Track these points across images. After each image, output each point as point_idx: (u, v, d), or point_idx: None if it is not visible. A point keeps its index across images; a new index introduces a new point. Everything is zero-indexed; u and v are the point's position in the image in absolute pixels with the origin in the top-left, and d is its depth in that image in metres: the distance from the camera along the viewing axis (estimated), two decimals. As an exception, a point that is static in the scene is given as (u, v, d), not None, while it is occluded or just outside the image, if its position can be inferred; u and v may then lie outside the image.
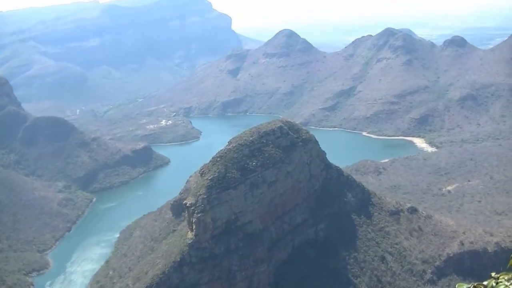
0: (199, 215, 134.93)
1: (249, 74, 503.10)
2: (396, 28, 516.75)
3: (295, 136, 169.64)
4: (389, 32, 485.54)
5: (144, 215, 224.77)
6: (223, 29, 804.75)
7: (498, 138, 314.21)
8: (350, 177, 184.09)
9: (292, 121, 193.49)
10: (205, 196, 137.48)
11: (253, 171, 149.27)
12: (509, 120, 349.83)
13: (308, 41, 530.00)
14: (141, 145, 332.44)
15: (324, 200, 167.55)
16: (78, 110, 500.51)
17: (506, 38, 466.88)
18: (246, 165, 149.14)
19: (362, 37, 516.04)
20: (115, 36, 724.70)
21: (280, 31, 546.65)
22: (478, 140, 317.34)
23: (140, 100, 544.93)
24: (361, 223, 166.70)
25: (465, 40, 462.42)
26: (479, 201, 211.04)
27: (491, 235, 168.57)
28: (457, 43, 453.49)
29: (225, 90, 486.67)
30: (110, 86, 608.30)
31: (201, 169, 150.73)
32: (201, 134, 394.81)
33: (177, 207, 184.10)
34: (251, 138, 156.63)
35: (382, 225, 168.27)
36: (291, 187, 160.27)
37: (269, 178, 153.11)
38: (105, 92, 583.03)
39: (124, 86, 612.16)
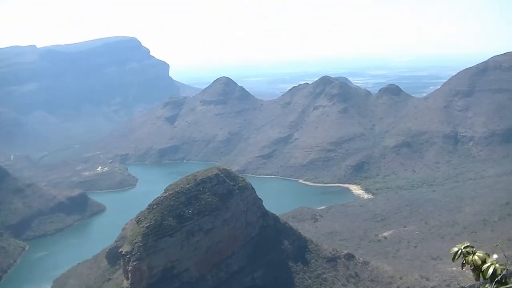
0: (135, 263, 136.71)
1: (186, 121, 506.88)
2: (333, 76, 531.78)
3: (232, 183, 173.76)
4: (325, 80, 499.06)
5: (79, 263, 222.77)
6: (161, 76, 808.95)
7: (433, 184, 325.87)
8: (286, 225, 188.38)
9: (228, 168, 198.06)
10: (141, 244, 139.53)
11: (189, 218, 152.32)
12: (443, 166, 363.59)
13: (246, 89, 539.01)
14: (76, 192, 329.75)
15: (261, 248, 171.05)
16: (12, 156, 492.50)
17: (439, 87, 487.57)
18: (182, 213, 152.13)
19: (299, 85, 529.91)
20: (52, 80, 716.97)
21: (217, 78, 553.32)
22: (413, 186, 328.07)
23: (77, 146, 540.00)
24: (298, 270, 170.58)
25: (400, 89, 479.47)
26: (415, 247, 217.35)
27: (427, 279, 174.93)
28: (392, 91, 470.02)
29: (162, 137, 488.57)
30: (46, 132, 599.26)
31: (137, 217, 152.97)
32: (137, 181, 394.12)
33: (113, 255, 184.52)
34: (187, 186, 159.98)
35: (319, 272, 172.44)
36: (227, 235, 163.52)
37: (205, 226, 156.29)
38: (41, 137, 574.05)
39: (61, 132, 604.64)
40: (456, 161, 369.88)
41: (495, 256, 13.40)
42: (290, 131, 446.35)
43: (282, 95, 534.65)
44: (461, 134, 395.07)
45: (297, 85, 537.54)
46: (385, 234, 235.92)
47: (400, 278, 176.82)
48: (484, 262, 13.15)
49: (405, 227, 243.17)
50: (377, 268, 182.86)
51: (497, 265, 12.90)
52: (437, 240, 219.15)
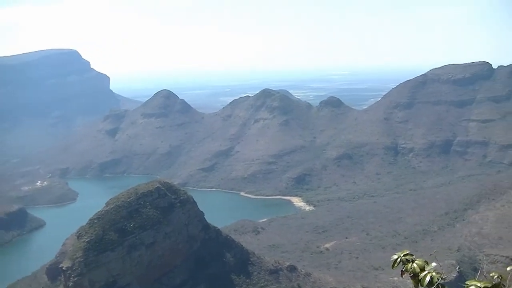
0: (76, 279, 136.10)
1: (127, 134, 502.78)
2: (274, 89, 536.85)
3: (173, 197, 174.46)
4: (266, 93, 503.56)
5: (18, 280, 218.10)
6: (101, 89, 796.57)
7: (374, 196, 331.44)
8: (228, 237, 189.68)
9: (170, 182, 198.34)
10: (82, 259, 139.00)
11: (131, 232, 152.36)
12: (383, 177, 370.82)
13: (186, 101, 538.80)
14: (15, 207, 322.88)
15: (203, 261, 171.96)
16: None
17: (379, 99, 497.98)
18: (124, 227, 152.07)
19: (240, 98, 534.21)
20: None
21: (158, 91, 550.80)
22: (354, 197, 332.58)
23: (15, 160, 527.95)
24: (240, 283, 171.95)
25: (341, 101, 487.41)
26: (357, 257, 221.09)
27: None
28: (333, 104, 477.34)
29: (102, 150, 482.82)
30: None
31: (77, 232, 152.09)
32: (78, 196, 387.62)
33: (53, 271, 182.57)
34: (128, 200, 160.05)
35: (262, 284, 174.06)
36: (169, 249, 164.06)
37: (147, 239, 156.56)
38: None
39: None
40: (396, 172, 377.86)
41: (433, 264, 13.90)
42: (231, 143, 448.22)
43: (223, 108, 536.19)
44: (401, 145, 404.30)
45: (238, 98, 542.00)
46: (327, 245, 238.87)
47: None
48: (423, 270, 13.63)
49: (346, 238, 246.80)
50: (320, 280, 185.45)
51: (434, 273, 13.35)
52: (378, 251, 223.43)
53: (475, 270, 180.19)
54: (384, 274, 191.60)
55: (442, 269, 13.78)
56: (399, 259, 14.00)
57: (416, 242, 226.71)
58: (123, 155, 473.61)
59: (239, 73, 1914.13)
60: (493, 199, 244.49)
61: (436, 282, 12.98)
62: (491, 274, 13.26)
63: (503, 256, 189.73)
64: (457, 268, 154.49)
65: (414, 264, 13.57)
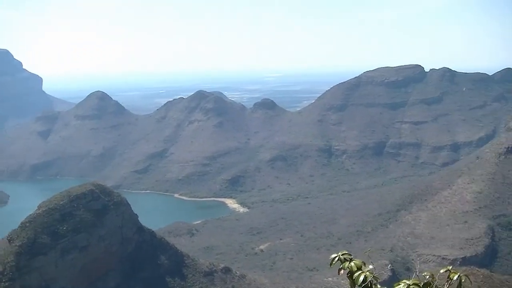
0: (7, 284, 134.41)
1: (60, 136, 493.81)
2: (208, 91, 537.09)
3: (107, 199, 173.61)
4: (200, 95, 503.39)
5: None
6: (34, 90, 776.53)
7: (308, 197, 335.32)
8: (163, 240, 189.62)
9: (103, 184, 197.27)
10: (13, 264, 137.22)
11: (64, 236, 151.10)
12: (317, 179, 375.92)
13: (120, 103, 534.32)
14: None
15: (137, 264, 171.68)
16: None
17: (313, 101, 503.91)
18: (56, 230, 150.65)
19: (174, 99, 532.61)
20: None
21: (92, 93, 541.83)
22: (288, 199, 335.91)
23: None
24: (175, 285, 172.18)
25: (275, 103, 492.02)
26: (291, 258, 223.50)
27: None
28: (267, 106, 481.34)
29: (35, 152, 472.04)
30: None
31: (8, 235, 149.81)
32: (9, 199, 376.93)
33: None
34: (61, 202, 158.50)
35: (197, 287, 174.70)
36: (103, 252, 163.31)
37: (80, 242, 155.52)
38: None
39: None
40: (330, 174, 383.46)
41: (370, 266, 14.41)
42: (165, 145, 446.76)
43: (157, 109, 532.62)
44: (335, 147, 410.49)
45: (172, 99, 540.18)
46: (262, 247, 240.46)
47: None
48: (360, 269, 14.05)
49: (281, 239, 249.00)
50: (254, 281, 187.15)
51: (367, 273, 13.77)
52: (313, 252, 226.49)
53: (408, 269, 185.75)
54: (319, 275, 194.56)
55: (375, 269, 15.06)
56: (337, 258, 14.45)
57: (350, 243, 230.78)
58: (56, 157, 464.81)
59: (169, 74, 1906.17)
60: (425, 200, 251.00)
61: (369, 281, 13.52)
62: (423, 274, 14.26)
63: (435, 256, 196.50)
64: (389, 267, 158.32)
65: (352, 263, 14.07)
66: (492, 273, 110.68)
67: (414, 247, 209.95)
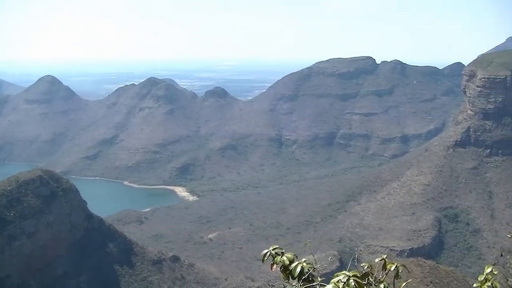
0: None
1: (9, 120, 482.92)
2: (159, 78, 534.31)
3: (56, 185, 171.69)
4: (152, 82, 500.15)
5: None
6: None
7: (257, 186, 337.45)
8: (112, 227, 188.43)
9: (52, 170, 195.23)
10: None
11: (11, 222, 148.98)
12: (267, 168, 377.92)
13: (71, 88, 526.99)
14: None
15: (85, 251, 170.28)
16: None
17: (264, 91, 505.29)
18: (3, 216, 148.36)
19: (125, 85, 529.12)
20: None
21: (42, 77, 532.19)
22: (238, 188, 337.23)
23: None
24: (123, 273, 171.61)
25: (226, 91, 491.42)
26: (240, 248, 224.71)
27: (253, 280, 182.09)
28: (218, 94, 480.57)
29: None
30: None
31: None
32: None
33: None
34: (9, 188, 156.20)
35: (145, 275, 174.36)
36: (51, 238, 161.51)
37: (28, 229, 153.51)
38: None
39: None
40: (280, 164, 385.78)
41: (303, 259, 13.97)
42: (115, 132, 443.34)
43: (108, 95, 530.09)
44: (285, 137, 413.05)
45: (123, 86, 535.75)
46: (211, 236, 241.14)
47: (226, 279, 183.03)
48: (292, 262, 13.87)
49: (230, 228, 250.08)
50: (203, 270, 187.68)
51: (304, 264, 13.59)
52: (262, 241, 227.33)
53: (357, 260, 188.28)
54: (267, 265, 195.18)
55: (319, 260, 15.25)
56: (268, 253, 14.36)
57: (299, 233, 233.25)
58: (4, 142, 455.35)
59: (121, 61, 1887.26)
60: (374, 191, 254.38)
61: (307, 272, 13.48)
62: (362, 264, 14.28)
63: (383, 247, 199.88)
64: (329, 259, 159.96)
65: (284, 257, 14.00)
66: (438, 264, 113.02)
67: (362, 238, 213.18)
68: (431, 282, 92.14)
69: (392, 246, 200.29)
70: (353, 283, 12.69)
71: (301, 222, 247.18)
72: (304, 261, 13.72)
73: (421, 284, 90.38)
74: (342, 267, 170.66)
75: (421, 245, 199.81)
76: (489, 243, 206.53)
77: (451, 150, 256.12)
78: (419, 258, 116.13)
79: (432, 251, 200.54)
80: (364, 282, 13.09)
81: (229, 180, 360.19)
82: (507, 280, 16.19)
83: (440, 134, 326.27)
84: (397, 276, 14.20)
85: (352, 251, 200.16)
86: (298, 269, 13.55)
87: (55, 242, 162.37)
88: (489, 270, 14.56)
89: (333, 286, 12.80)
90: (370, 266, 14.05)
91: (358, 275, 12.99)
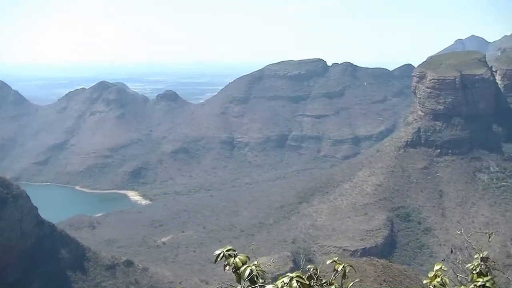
0: None
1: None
2: (110, 82, 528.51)
3: (6, 191, 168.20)
4: (103, 86, 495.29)
5: None
6: None
7: (210, 189, 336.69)
8: (64, 233, 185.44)
9: (2, 176, 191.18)
10: None
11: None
12: (219, 171, 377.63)
13: (20, 93, 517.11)
14: None
15: (37, 258, 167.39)
16: None
17: (215, 94, 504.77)
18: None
19: (76, 90, 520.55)
20: None
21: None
22: (190, 191, 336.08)
23: None
24: (76, 279, 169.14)
25: (177, 95, 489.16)
26: (194, 251, 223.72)
27: (207, 283, 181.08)
28: (170, 98, 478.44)
29: None
30: None
31: None
32: None
33: None
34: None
35: (99, 280, 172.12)
36: (1, 246, 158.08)
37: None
38: None
39: None
40: (232, 166, 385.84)
41: (255, 262, 14.04)
42: (66, 137, 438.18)
43: (58, 100, 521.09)
44: (237, 139, 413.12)
45: (73, 90, 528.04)
46: (164, 239, 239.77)
47: (180, 283, 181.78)
48: (244, 264, 13.87)
49: (183, 232, 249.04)
50: (157, 274, 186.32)
51: (253, 267, 13.62)
52: (215, 244, 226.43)
53: (310, 261, 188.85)
54: (221, 267, 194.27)
55: (273, 261, 15.05)
56: (221, 254, 14.34)
57: (253, 235, 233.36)
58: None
59: (71, 64, 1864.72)
60: (326, 192, 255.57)
61: (255, 275, 13.49)
62: (308, 267, 14.15)
63: (336, 247, 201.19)
64: (271, 260, 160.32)
65: (237, 259, 13.99)
66: (391, 263, 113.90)
67: (315, 239, 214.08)
68: (384, 281, 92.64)
69: (346, 246, 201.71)
70: (295, 284, 12.71)
71: (254, 224, 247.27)
72: (254, 264, 13.73)
73: (374, 283, 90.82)
74: (295, 268, 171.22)
75: (373, 245, 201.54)
76: (440, 241, 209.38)
77: (402, 150, 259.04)
78: (372, 257, 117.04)
79: (385, 250, 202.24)
80: (308, 283, 13.11)
81: (182, 183, 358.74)
82: (457, 276, 16.28)
83: (391, 135, 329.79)
84: (344, 276, 14.16)
85: (306, 252, 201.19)
86: (247, 272, 13.54)
87: (5, 249, 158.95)
88: (438, 267, 14.66)
89: (273, 286, 12.89)
90: (315, 269, 13.88)
91: (302, 276, 13.05)
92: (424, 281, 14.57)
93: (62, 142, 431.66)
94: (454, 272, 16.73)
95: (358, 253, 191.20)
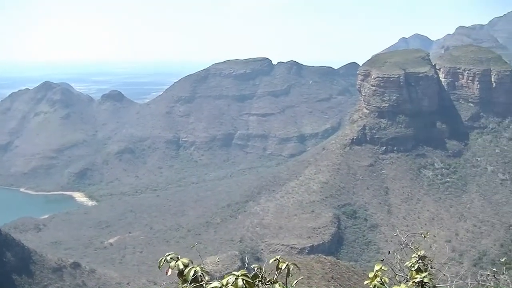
0: None
1: None
2: (55, 82, 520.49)
3: None
4: (47, 86, 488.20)
5: None
6: None
7: (156, 189, 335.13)
8: (8, 236, 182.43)
9: None
10: None
11: None
12: (165, 171, 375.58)
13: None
14: None
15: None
16: None
17: (161, 93, 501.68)
18: None
19: (19, 90, 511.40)
20: None
21: None
22: (137, 192, 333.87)
23: None
24: (22, 283, 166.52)
25: (123, 95, 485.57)
26: (141, 252, 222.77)
27: (155, 283, 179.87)
28: (115, 98, 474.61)
29: None
30: None
31: None
32: None
33: None
34: None
35: (45, 283, 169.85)
36: None
37: None
38: None
39: None
40: (178, 166, 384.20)
41: (198, 264, 14.16)
42: (10, 138, 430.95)
43: (2, 100, 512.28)
44: (183, 139, 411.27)
45: (17, 90, 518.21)
46: (111, 240, 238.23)
47: (128, 284, 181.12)
48: (187, 266, 14.04)
49: (130, 233, 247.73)
50: (104, 275, 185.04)
51: (197, 268, 13.81)
52: (162, 244, 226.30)
53: (258, 259, 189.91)
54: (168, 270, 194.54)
55: (218, 260, 15.38)
56: (164, 259, 14.42)
57: (200, 234, 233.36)
58: None
59: (15, 64, 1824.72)
60: (273, 191, 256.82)
61: (200, 276, 13.66)
62: (252, 266, 14.51)
63: (283, 245, 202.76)
64: (217, 259, 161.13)
65: (179, 262, 14.10)
66: (338, 260, 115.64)
67: (263, 237, 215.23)
68: (332, 278, 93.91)
69: (293, 244, 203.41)
70: (240, 283, 12.89)
71: (201, 224, 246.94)
72: (198, 265, 13.88)
73: (322, 280, 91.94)
74: (243, 267, 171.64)
75: (321, 242, 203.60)
76: (387, 237, 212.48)
77: (348, 148, 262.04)
78: (319, 255, 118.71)
79: (332, 247, 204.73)
80: (254, 282, 13.34)
81: (128, 184, 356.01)
82: (395, 275, 16.96)
83: (336, 133, 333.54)
84: (288, 274, 14.39)
85: (253, 250, 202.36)
86: (191, 273, 13.72)
87: None
88: (378, 267, 15.03)
89: (218, 282, 13.02)
90: (260, 268, 14.14)
91: (247, 275, 13.24)
92: (365, 282, 14.96)
93: (6, 143, 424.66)
94: (393, 271, 17.34)
95: (306, 251, 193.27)
